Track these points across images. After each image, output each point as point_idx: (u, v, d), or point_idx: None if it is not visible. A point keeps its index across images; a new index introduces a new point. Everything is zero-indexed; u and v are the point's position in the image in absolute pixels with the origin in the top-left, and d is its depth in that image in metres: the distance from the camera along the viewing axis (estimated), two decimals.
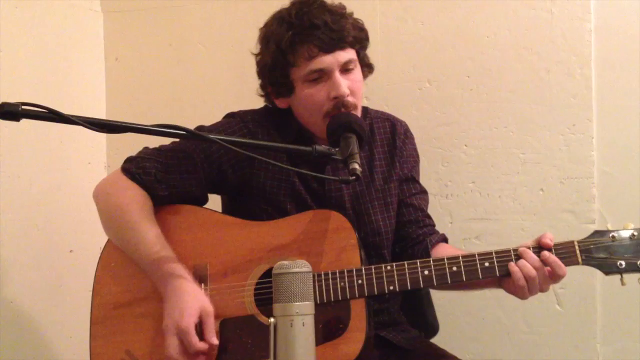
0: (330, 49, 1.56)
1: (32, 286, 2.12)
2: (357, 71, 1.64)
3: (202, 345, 1.43)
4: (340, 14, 1.60)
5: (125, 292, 1.57)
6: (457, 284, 1.56)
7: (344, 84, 1.57)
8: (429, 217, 1.78)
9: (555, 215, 2.12)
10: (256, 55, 1.68)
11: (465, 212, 2.20)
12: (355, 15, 1.65)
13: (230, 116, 1.75)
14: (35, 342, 2.13)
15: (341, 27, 1.57)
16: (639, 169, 2.08)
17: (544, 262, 1.44)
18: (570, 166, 2.12)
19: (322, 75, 1.58)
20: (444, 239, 1.74)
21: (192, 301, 1.45)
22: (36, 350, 2.13)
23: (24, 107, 1.15)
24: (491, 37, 2.18)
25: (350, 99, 1.59)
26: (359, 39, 1.63)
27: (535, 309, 2.12)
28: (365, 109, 1.79)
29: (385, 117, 1.80)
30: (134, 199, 1.58)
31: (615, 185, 2.10)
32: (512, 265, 1.45)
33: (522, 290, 1.45)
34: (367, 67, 1.71)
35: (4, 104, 1.14)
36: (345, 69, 1.59)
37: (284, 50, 1.58)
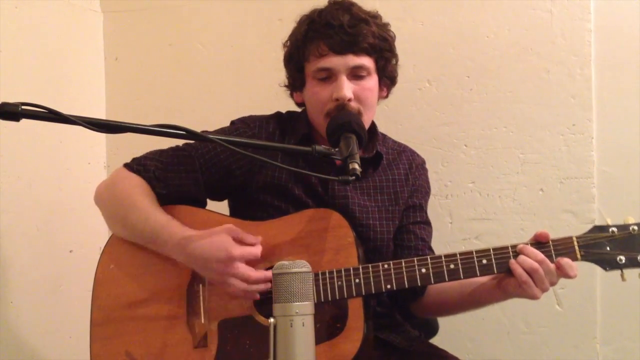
0: (341, 50, 1.57)
1: (32, 286, 2.12)
2: (370, 80, 1.63)
3: (255, 249, 1.48)
4: (363, 19, 1.59)
5: (125, 294, 1.58)
6: (465, 303, 1.60)
7: (347, 87, 1.57)
8: (431, 248, 1.76)
9: (555, 215, 2.12)
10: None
11: (465, 212, 2.20)
12: None
13: (232, 123, 1.75)
14: (35, 342, 2.13)
15: (357, 32, 1.57)
16: (639, 169, 2.08)
17: (556, 265, 1.42)
18: (570, 166, 2.12)
19: (331, 75, 1.59)
20: None
21: (215, 233, 1.48)
22: (36, 350, 2.13)
23: (24, 107, 1.15)
24: (491, 37, 2.18)
25: (353, 104, 1.59)
26: (377, 47, 1.61)
27: (535, 309, 2.12)
28: (384, 137, 1.81)
29: (404, 147, 1.83)
30: (138, 185, 1.61)
31: (615, 185, 2.10)
32: (512, 263, 1.43)
33: (528, 285, 1.41)
34: (388, 79, 1.71)
35: (4, 104, 1.14)
36: (355, 74, 1.60)
37: (299, 44, 1.62)
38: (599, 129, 2.11)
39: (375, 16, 1.65)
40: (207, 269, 1.48)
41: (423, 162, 1.84)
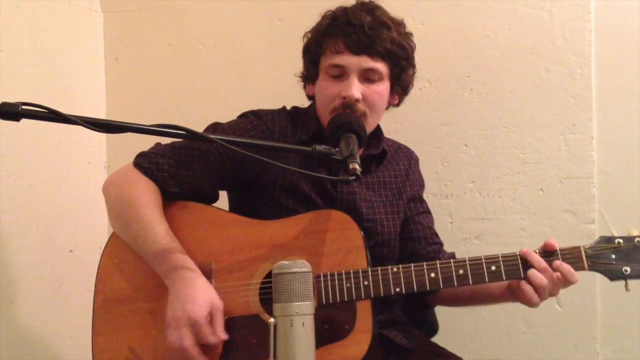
0: (357, 50, 1.57)
1: (32, 286, 2.11)
2: (381, 85, 1.62)
3: (213, 338, 1.42)
4: (384, 23, 1.59)
5: (128, 288, 1.57)
6: (476, 300, 1.63)
7: (356, 87, 1.57)
8: (437, 235, 1.80)
9: (555, 215, 2.12)
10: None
11: (465, 212, 2.20)
12: None
13: (244, 115, 1.74)
14: (35, 342, 2.13)
15: (376, 35, 1.57)
16: (639, 169, 2.08)
17: (556, 269, 1.43)
18: (570, 166, 2.12)
19: (343, 73, 1.60)
20: (453, 257, 1.73)
21: (203, 294, 1.44)
22: (36, 350, 2.13)
23: (24, 107, 1.15)
24: (491, 37, 2.18)
25: (360, 105, 1.59)
26: (393, 54, 1.60)
27: (535, 309, 2.11)
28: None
29: (399, 144, 1.86)
30: (146, 192, 1.57)
31: (615, 185, 2.10)
32: (524, 284, 1.45)
33: (536, 301, 1.46)
34: (400, 88, 1.69)
35: (4, 104, 1.14)
36: (367, 77, 1.60)
37: (318, 36, 1.64)
38: (599, 129, 2.11)
39: (398, 23, 1.65)
40: (170, 317, 1.44)
41: (418, 158, 1.88)
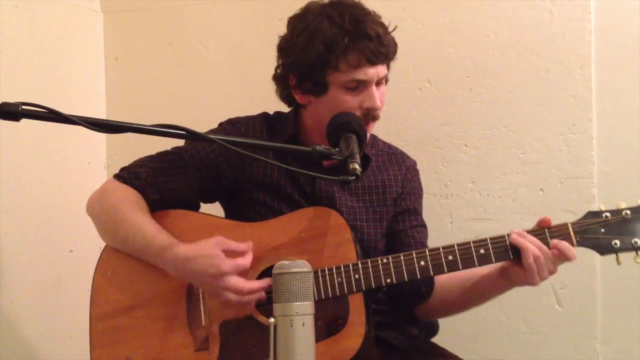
0: (375, 61, 1.58)
1: (32, 286, 2.12)
2: (384, 85, 1.66)
3: (239, 246, 1.48)
4: (386, 29, 1.62)
5: (124, 300, 1.58)
6: (470, 299, 1.63)
7: (378, 96, 1.60)
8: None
9: (555, 215, 2.09)
10: (284, 40, 1.68)
11: (465, 212, 2.19)
12: None
13: (220, 124, 1.76)
14: (35, 342, 2.13)
15: (389, 42, 1.60)
16: (639, 169, 2.08)
17: (553, 247, 1.44)
18: (570, 166, 2.12)
19: (360, 85, 1.58)
20: None
21: (204, 242, 1.47)
22: (36, 350, 2.13)
23: (24, 107, 1.15)
24: (491, 37, 2.18)
25: (378, 111, 1.62)
26: (394, 55, 1.65)
27: (535, 309, 2.12)
28: (374, 138, 1.80)
29: (395, 149, 1.83)
30: (128, 197, 1.60)
31: (615, 185, 2.09)
32: (518, 261, 1.44)
33: (532, 271, 1.43)
34: (385, 84, 1.72)
35: (4, 104, 1.14)
36: (378, 82, 1.61)
37: (335, 53, 1.54)
38: (599, 129, 2.11)
39: (386, 24, 1.64)
40: (199, 283, 1.50)
41: (414, 164, 1.83)
